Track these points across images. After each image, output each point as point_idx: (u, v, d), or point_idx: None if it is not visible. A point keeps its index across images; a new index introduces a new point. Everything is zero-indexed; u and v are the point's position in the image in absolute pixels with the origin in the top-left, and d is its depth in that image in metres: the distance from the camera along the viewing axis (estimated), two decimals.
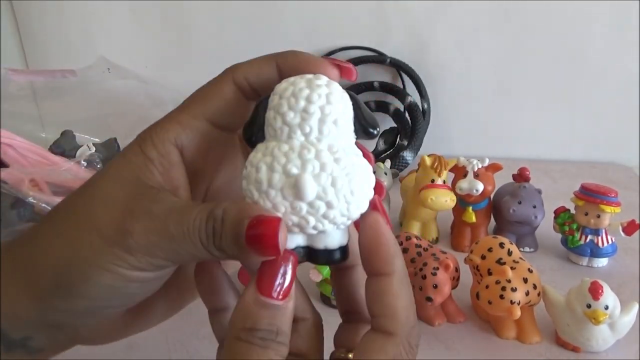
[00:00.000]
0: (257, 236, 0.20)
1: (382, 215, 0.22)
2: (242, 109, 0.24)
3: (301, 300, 0.25)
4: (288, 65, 0.24)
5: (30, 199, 0.61)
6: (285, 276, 0.21)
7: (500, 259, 0.45)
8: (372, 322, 0.23)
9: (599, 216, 0.55)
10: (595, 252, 0.56)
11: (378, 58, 0.84)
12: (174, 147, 0.23)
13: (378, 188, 0.23)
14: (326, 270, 0.48)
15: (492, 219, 0.61)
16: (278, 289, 0.20)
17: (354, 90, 0.83)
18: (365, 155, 0.22)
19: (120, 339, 0.28)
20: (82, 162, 0.70)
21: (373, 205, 0.22)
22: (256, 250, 0.20)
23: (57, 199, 0.63)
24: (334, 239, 0.22)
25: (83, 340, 0.27)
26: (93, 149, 0.74)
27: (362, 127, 0.22)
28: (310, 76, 0.22)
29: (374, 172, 0.22)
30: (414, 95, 0.82)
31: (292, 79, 0.22)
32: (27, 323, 0.23)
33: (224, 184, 0.27)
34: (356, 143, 0.23)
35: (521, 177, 0.60)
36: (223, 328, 0.26)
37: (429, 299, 0.45)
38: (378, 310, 0.23)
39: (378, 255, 0.22)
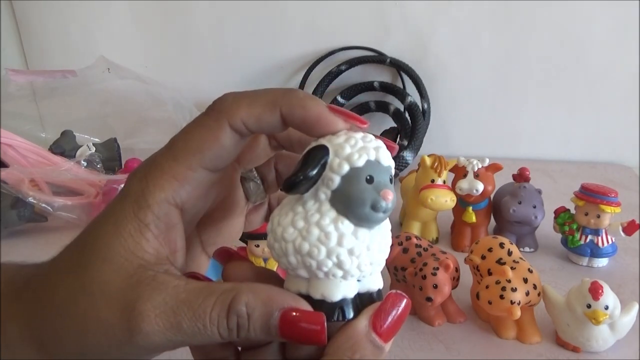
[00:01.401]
0: (299, 330, 0.20)
1: None
2: (238, 149, 0.23)
3: None
4: (295, 118, 0.22)
5: (30, 199, 0.61)
6: (399, 321, 0.21)
7: (501, 259, 0.45)
8: None
9: (599, 216, 0.55)
10: (595, 252, 0.56)
11: (378, 58, 0.84)
12: (172, 207, 0.22)
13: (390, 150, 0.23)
14: None
15: (492, 219, 0.61)
16: (389, 332, 0.21)
17: (354, 90, 0.84)
18: (389, 147, 0.23)
19: None
20: (82, 162, 0.70)
21: None
22: (296, 340, 0.20)
23: (57, 199, 0.63)
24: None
25: None
26: (93, 149, 0.74)
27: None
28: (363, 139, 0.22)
29: None
30: (414, 95, 0.82)
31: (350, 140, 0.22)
32: None
33: (218, 217, 0.26)
34: (382, 137, 0.23)
35: (521, 177, 0.60)
36: None
37: (429, 299, 0.45)
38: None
39: None
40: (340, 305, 0.21)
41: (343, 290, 0.21)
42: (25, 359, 0.22)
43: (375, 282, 0.23)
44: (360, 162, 0.21)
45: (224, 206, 0.26)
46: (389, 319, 0.21)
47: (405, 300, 0.21)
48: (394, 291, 0.21)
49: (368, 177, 0.21)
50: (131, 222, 0.21)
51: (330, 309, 0.21)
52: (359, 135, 0.22)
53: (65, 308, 0.21)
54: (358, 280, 0.22)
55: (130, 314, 0.20)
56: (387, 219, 0.22)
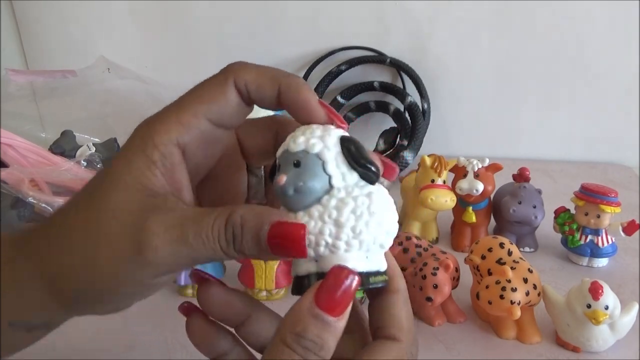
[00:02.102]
0: (282, 241, 0.21)
1: None
2: (242, 112, 0.25)
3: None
4: (288, 98, 0.24)
5: (30, 199, 0.61)
6: (344, 295, 0.21)
7: (501, 259, 0.45)
8: (378, 332, 0.24)
9: (599, 216, 0.55)
10: (596, 252, 0.56)
11: (378, 58, 0.84)
12: (176, 148, 0.23)
13: (390, 170, 0.25)
14: None
15: (492, 219, 0.61)
16: (335, 305, 0.21)
17: (354, 90, 0.84)
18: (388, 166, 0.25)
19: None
20: (82, 162, 0.70)
21: None
22: (280, 253, 0.21)
23: (58, 199, 0.63)
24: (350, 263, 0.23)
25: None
26: (93, 149, 0.74)
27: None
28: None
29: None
30: (414, 95, 0.82)
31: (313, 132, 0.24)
32: (49, 315, 0.24)
33: (223, 178, 0.27)
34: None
35: (521, 177, 0.60)
36: None
37: (429, 299, 0.45)
38: (385, 321, 0.24)
39: (389, 276, 0.24)
40: None
41: (350, 262, 0.22)
42: (34, 298, 0.23)
43: (378, 263, 0.24)
44: (294, 148, 0.23)
45: (225, 181, 0.28)
46: (332, 293, 0.21)
47: (349, 274, 0.21)
48: (337, 265, 0.21)
49: (295, 162, 0.23)
50: (140, 159, 0.23)
51: None
52: (320, 128, 0.24)
53: (76, 236, 0.23)
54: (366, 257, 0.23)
55: (140, 231, 0.21)
56: (384, 195, 0.24)
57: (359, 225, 0.22)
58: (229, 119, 0.24)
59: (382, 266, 0.24)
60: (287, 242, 0.21)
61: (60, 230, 0.23)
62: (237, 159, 0.28)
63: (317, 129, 0.24)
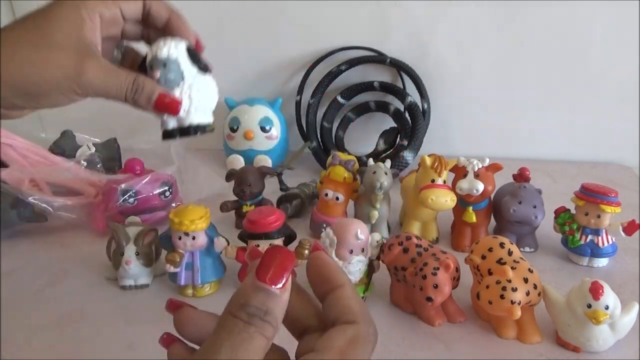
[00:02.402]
0: (165, 106, 0.37)
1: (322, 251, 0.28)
2: (137, 15, 0.39)
3: (309, 309, 0.27)
4: (175, 26, 0.40)
5: (30, 199, 0.61)
6: (282, 268, 0.23)
7: (501, 259, 0.45)
8: (335, 324, 0.26)
9: (599, 216, 0.55)
10: (596, 252, 0.56)
11: (378, 58, 0.84)
12: (98, 17, 0.35)
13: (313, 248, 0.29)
14: None
15: (493, 219, 0.61)
16: (273, 277, 0.23)
17: (354, 90, 0.84)
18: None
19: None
20: (82, 162, 0.70)
21: (315, 247, 0.28)
22: (160, 111, 0.37)
23: (57, 199, 0.63)
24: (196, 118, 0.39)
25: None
26: (93, 149, 0.74)
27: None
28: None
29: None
30: (414, 95, 0.82)
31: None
32: None
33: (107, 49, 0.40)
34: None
35: (521, 177, 0.60)
36: None
37: (430, 299, 0.45)
38: (338, 312, 0.26)
39: (329, 274, 0.27)
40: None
41: (195, 119, 0.39)
42: None
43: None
44: (161, 55, 0.38)
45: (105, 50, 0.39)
46: (270, 266, 0.23)
47: (282, 250, 0.24)
48: (270, 245, 0.25)
49: (163, 64, 0.38)
50: (77, 14, 0.34)
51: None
52: (174, 41, 0.39)
53: (28, 52, 0.33)
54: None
55: (82, 61, 0.34)
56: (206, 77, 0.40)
57: (199, 97, 0.39)
58: (132, 15, 0.38)
59: (211, 120, 0.40)
60: (168, 106, 0.37)
61: (15, 40, 0.34)
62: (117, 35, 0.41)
63: (172, 42, 0.39)
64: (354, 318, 0.25)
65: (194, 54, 0.41)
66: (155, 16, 0.39)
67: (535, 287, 0.44)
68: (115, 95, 0.36)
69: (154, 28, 0.41)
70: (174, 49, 0.40)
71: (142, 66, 0.40)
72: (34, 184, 0.65)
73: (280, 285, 0.23)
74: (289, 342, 0.27)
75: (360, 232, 0.47)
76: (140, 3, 0.39)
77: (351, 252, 0.47)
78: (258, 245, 0.49)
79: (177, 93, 0.38)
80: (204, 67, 0.41)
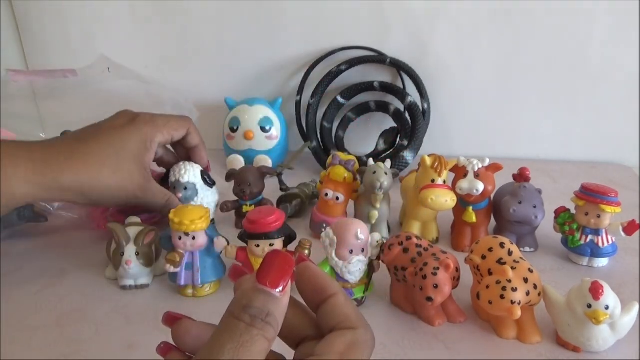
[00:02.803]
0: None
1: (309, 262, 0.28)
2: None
3: (305, 320, 0.28)
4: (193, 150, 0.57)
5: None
6: (282, 271, 0.24)
7: (501, 259, 0.45)
8: (332, 331, 0.26)
9: (599, 216, 0.55)
10: (596, 252, 0.56)
11: (378, 58, 0.84)
12: (156, 145, 0.45)
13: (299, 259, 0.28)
14: (326, 270, 0.48)
15: (493, 219, 0.61)
16: (274, 280, 0.23)
17: (354, 90, 0.84)
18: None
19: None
20: None
21: (300, 259, 0.28)
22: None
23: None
24: None
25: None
26: None
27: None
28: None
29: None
30: (414, 95, 0.82)
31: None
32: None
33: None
34: None
35: (521, 177, 0.60)
36: None
37: (430, 299, 0.45)
38: (335, 320, 0.26)
39: (322, 284, 0.27)
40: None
41: None
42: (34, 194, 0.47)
43: None
44: (183, 179, 0.58)
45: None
46: (271, 270, 0.24)
47: (282, 254, 0.24)
48: (270, 250, 0.26)
49: (185, 187, 0.58)
50: (144, 143, 0.49)
51: None
52: (192, 167, 0.59)
53: (108, 161, 0.49)
54: None
55: (146, 180, 0.49)
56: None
57: (206, 203, 0.59)
58: (176, 139, 0.52)
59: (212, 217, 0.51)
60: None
61: (91, 150, 0.49)
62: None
63: (191, 169, 0.58)
64: (352, 324, 0.26)
65: (205, 176, 0.59)
66: (189, 141, 0.56)
67: (535, 287, 0.44)
68: (156, 205, 0.53)
69: (182, 146, 0.57)
70: (192, 176, 0.57)
71: (164, 179, 0.59)
72: None
73: (280, 289, 0.24)
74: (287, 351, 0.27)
75: (360, 232, 0.47)
76: (185, 130, 0.51)
77: (351, 252, 0.47)
78: (258, 246, 0.49)
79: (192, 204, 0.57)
80: (211, 184, 0.60)
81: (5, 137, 0.67)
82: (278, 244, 0.49)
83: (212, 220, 0.62)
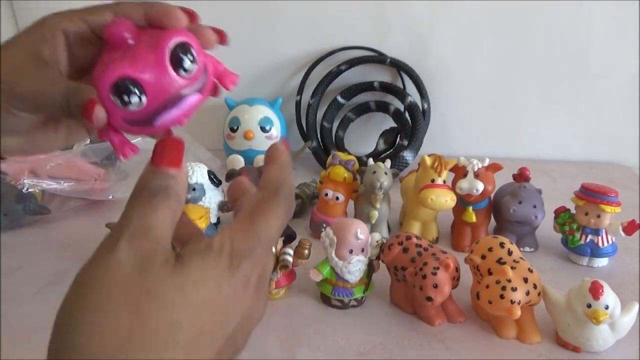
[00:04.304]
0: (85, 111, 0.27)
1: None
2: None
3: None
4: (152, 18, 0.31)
5: (31, 189, 0.63)
6: (175, 150, 0.25)
7: (501, 258, 0.45)
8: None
9: (599, 216, 0.55)
10: (596, 252, 0.56)
11: (378, 58, 0.84)
12: (61, 34, 0.31)
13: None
14: (326, 270, 0.48)
15: (492, 218, 0.61)
16: (168, 161, 0.25)
17: (354, 90, 0.84)
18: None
19: (24, 154, 0.35)
20: (77, 153, 0.72)
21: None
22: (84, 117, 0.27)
23: (57, 184, 0.65)
24: None
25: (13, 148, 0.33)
26: (88, 141, 0.76)
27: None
28: None
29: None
30: (414, 95, 0.82)
31: None
32: None
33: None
34: None
35: (521, 177, 0.60)
36: None
37: (429, 299, 0.44)
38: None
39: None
40: None
41: None
42: None
43: None
44: (191, 180, 0.60)
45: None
46: (163, 151, 0.25)
47: (169, 138, 0.25)
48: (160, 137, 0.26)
49: (193, 188, 0.59)
50: (37, 34, 0.31)
51: None
52: (198, 168, 0.60)
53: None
54: None
55: (36, 60, 0.30)
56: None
57: (213, 202, 0.61)
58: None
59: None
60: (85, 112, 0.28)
61: None
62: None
63: (198, 170, 0.59)
64: (262, 185, 0.27)
65: (212, 175, 0.59)
66: (134, 19, 0.33)
67: (535, 287, 0.44)
68: (51, 103, 0.30)
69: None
70: (200, 176, 0.58)
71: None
72: (33, 175, 0.66)
73: (177, 167, 0.25)
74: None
75: (360, 232, 0.47)
76: (109, 13, 0.33)
77: (351, 252, 0.47)
78: None
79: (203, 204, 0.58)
80: (218, 183, 0.60)
81: None
82: (278, 243, 0.49)
83: (218, 220, 0.62)
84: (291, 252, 0.48)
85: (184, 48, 0.25)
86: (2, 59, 0.31)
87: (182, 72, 0.25)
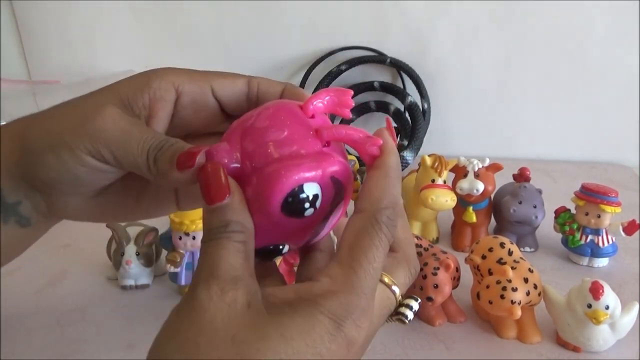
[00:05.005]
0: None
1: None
2: (242, 101, 0.30)
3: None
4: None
5: None
6: (216, 178, 0.23)
7: (501, 258, 0.45)
8: None
9: (599, 216, 0.55)
10: (596, 252, 0.56)
11: (378, 58, 0.84)
12: (172, 88, 0.28)
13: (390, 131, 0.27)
14: None
15: (493, 219, 0.61)
16: (214, 194, 0.23)
17: (354, 90, 0.84)
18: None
19: (95, 220, 0.33)
20: None
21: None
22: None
23: None
24: None
25: (64, 214, 0.31)
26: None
27: None
28: None
29: None
30: (414, 95, 0.82)
31: None
32: (17, 185, 0.28)
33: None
34: None
35: (522, 177, 0.60)
36: None
37: (430, 299, 0.45)
38: (357, 201, 0.25)
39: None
40: None
41: None
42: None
43: None
44: None
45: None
46: (208, 185, 0.23)
47: (204, 167, 0.23)
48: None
49: None
50: (142, 79, 0.28)
51: None
52: None
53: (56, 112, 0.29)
54: None
55: (100, 108, 0.27)
56: None
57: None
58: (233, 102, 0.29)
59: None
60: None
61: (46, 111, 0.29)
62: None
63: None
64: (363, 206, 0.25)
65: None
66: (265, 95, 0.30)
67: (535, 287, 0.44)
68: (131, 154, 0.25)
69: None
70: None
71: None
72: None
73: (223, 196, 0.23)
74: None
75: None
76: (242, 81, 0.29)
77: None
78: None
79: None
80: None
81: None
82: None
83: None
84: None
85: (299, 196, 0.23)
86: (93, 102, 0.27)
87: (308, 214, 0.24)
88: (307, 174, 0.23)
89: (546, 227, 0.59)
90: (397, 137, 0.81)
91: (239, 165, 0.24)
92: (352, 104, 0.26)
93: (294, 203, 0.23)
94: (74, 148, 0.26)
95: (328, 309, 0.22)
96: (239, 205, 0.23)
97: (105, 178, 0.28)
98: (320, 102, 0.25)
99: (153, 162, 0.25)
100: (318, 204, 0.24)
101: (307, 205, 0.23)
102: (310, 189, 0.23)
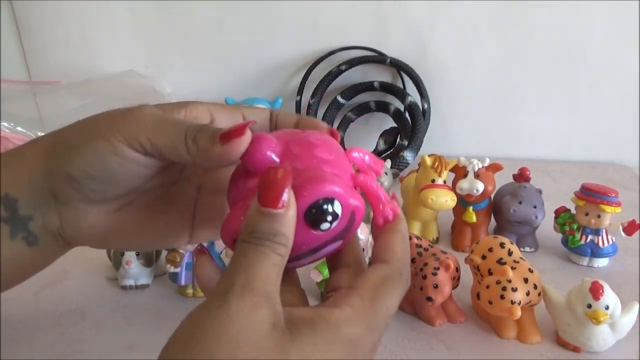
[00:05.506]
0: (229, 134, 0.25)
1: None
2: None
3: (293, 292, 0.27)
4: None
5: None
6: (280, 186, 0.23)
7: (501, 259, 0.45)
8: (373, 261, 0.27)
9: (599, 216, 0.55)
10: (596, 252, 0.56)
11: (378, 58, 0.84)
12: (208, 114, 0.29)
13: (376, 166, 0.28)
14: (326, 270, 0.48)
15: (493, 219, 0.61)
16: (273, 199, 0.23)
17: (354, 90, 0.84)
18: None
19: (104, 242, 0.32)
20: None
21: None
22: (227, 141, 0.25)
23: None
24: None
25: (75, 232, 0.30)
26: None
27: None
28: None
29: None
30: (414, 95, 0.82)
31: None
32: (35, 195, 0.28)
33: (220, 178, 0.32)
34: None
35: (522, 177, 0.60)
36: None
37: (430, 299, 0.45)
38: (380, 251, 0.27)
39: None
40: None
41: None
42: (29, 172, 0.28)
43: None
44: None
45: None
46: (269, 188, 0.23)
47: (277, 169, 0.23)
48: (267, 167, 0.24)
49: None
50: (180, 107, 0.29)
51: None
52: None
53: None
54: None
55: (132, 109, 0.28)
56: None
57: None
58: (259, 126, 0.30)
59: None
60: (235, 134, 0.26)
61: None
62: None
63: None
64: (388, 258, 0.26)
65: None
66: (282, 125, 0.31)
67: (535, 287, 0.44)
68: (173, 148, 0.26)
69: None
70: None
71: None
72: None
73: (282, 205, 0.23)
74: None
75: (360, 232, 0.47)
76: (267, 112, 0.31)
77: None
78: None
79: None
80: None
81: (4, 131, 0.67)
82: None
83: None
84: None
85: (324, 207, 0.24)
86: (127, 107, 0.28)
87: (322, 229, 0.24)
88: (342, 192, 0.24)
89: (546, 227, 0.59)
90: (397, 137, 0.81)
91: (278, 161, 0.25)
92: (381, 174, 0.28)
93: (317, 213, 0.24)
94: (110, 137, 0.26)
95: (347, 335, 0.23)
96: (291, 220, 0.23)
97: (137, 175, 0.28)
98: (360, 156, 0.27)
99: (192, 141, 0.26)
100: (334, 224, 0.24)
101: (328, 218, 0.24)
102: (337, 207, 0.24)
